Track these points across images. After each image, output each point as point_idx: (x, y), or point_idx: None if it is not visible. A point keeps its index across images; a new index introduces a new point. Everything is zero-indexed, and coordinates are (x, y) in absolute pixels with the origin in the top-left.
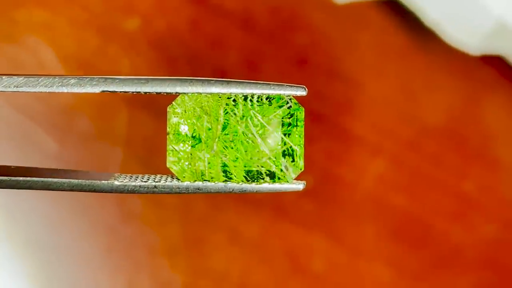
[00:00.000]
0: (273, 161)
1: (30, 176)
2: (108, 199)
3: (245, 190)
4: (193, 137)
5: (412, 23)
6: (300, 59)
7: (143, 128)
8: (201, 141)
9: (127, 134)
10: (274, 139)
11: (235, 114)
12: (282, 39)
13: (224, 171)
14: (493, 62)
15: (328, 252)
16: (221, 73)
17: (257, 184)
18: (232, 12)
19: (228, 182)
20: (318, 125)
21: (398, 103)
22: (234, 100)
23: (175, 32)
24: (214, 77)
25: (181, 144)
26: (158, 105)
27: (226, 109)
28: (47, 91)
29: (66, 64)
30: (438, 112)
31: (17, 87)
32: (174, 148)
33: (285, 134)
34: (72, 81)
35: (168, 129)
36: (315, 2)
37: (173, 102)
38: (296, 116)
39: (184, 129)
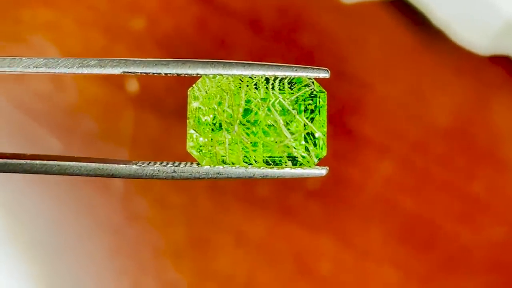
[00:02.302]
0: (295, 145)
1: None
2: (113, 199)
3: (266, 175)
4: (213, 124)
5: (420, 23)
6: (307, 59)
7: (148, 129)
8: (221, 129)
9: (132, 135)
10: (296, 123)
11: (256, 97)
12: (289, 39)
13: (245, 156)
14: (502, 62)
15: (335, 254)
16: None
17: (278, 169)
18: (239, 11)
19: (249, 167)
20: None
21: (406, 103)
22: (255, 84)
23: (182, 32)
24: None
25: (201, 129)
26: (164, 105)
27: (247, 93)
28: (67, 72)
29: None
30: (446, 112)
31: (36, 67)
32: (194, 133)
33: (307, 118)
34: (92, 62)
35: (188, 114)
36: (322, 2)
37: (193, 85)
38: (319, 99)
39: (204, 117)
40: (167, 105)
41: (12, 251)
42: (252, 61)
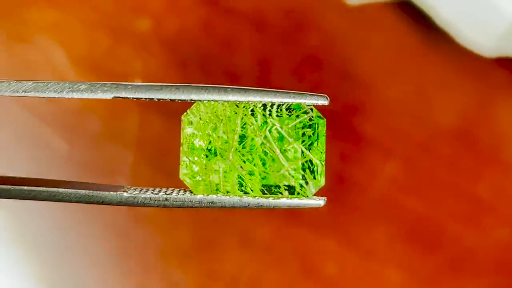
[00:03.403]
0: (292, 175)
1: (34, 186)
2: None
3: (261, 205)
4: (208, 150)
5: (425, 25)
6: (313, 61)
7: (154, 130)
8: (216, 155)
9: (138, 136)
10: (294, 151)
11: (253, 124)
12: (294, 41)
13: (240, 184)
14: (507, 63)
15: (340, 255)
16: (233, 75)
17: (274, 199)
18: (245, 13)
19: (244, 196)
20: (330, 127)
21: (411, 104)
22: (252, 110)
23: (187, 33)
24: (226, 79)
25: (196, 157)
26: (169, 107)
27: (243, 119)
28: (57, 96)
29: (77, 65)
30: (451, 113)
31: (25, 92)
32: (187, 160)
33: (305, 146)
34: (83, 86)
35: (181, 140)
36: (328, 4)
37: (187, 111)
38: (317, 127)
39: (198, 142)
40: (172, 106)
41: (15, 252)
42: (258, 62)
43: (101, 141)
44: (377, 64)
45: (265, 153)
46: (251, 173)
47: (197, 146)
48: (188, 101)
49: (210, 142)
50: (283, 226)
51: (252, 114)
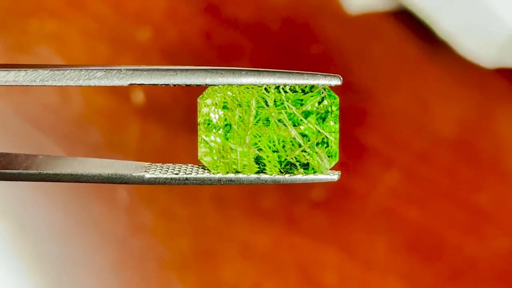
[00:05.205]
0: (308, 152)
1: (58, 167)
2: (118, 211)
3: (278, 182)
4: (225, 126)
5: (425, 35)
6: (313, 71)
7: (154, 140)
8: (232, 129)
9: (138, 145)
10: (308, 129)
11: (267, 104)
12: (295, 50)
13: (257, 163)
14: (507, 74)
15: (340, 265)
16: None
17: (290, 175)
18: (245, 23)
19: (261, 174)
20: None
21: (411, 115)
22: (266, 90)
23: (187, 43)
24: None
25: (213, 135)
26: (169, 116)
27: (258, 100)
28: (74, 84)
29: None
30: (451, 124)
31: (42, 81)
32: (205, 139)
33: (319, 124)
34: (99, 74)
35: (198, 119)
36: (328, 13)
37: (203, 93)
38: (331, 105)
39: (215, 117)
40: (172, 115)
41: (18, 263)
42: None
43: (101, 151)
44: (378, 74)
45: (280, 132)
46: (266, 152)
47: (214, 122)
48: (203, 85)
49: (226, 119)
50: (283, 235)
51: (266, 95)
